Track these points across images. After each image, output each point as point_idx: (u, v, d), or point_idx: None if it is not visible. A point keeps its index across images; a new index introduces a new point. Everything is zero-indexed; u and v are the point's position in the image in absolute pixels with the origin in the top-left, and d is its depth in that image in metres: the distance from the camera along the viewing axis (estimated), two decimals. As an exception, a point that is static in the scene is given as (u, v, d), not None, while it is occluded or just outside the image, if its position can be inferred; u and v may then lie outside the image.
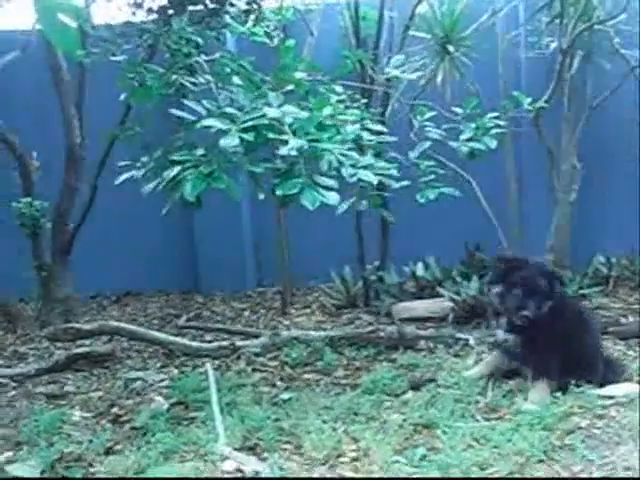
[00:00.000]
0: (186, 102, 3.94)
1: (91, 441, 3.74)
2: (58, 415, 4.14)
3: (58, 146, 6.20)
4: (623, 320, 5.26)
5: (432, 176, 4.47)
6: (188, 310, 6.75)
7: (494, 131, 4.39)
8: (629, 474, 2.99)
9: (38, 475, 3.43)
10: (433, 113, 4.71)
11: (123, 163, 4.15)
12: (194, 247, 7.41)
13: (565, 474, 3.01)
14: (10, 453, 3.71)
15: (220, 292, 7.21)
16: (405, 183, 4.39)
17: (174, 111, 3.87)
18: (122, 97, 4.59)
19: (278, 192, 3.71)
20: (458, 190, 4.73)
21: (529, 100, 4.99)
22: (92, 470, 3.43)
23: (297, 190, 3.67)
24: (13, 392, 4.75)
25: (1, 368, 5.22)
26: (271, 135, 3.78)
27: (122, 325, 5.63)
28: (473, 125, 4.54)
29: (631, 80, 6.19)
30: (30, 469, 3.47)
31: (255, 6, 4.66)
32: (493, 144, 4.40)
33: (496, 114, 4.71)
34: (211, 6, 4.32)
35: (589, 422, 3.52)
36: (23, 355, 5.65)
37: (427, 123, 4.63)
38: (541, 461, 3.12)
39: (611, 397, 3.78)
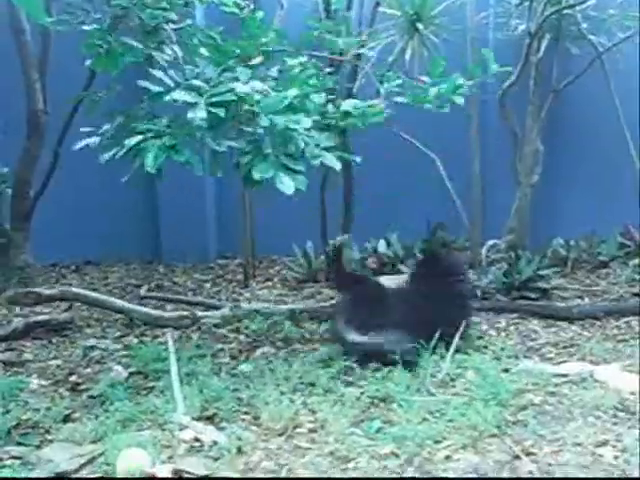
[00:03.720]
0: (153, 72, 3.89)
1: (49, 409, 3.73)
2: (15, 382, 4.11)
3: (20, 111, 6.10)
4: (578, 302, 5.36)
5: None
6: (149, 280, 6.72)
7: (461, 90, 4.37)
8: (579, 450, 3.07)
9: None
10: (399, 81, 4.68)
11: (85, 129, 4.09)
12: (156, 217, 7.37)
13: (517, 448, 3.08)
14: (-36, 420, 3.68)
15: (182, 263, 7.18)
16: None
17: (141, 82, 3.82)
18: (87, 63, 4.51)
19: (255, 176, 3.68)
20: (423, 170, 4.73)
21: (496, 66, 4.96)
22: (49, 437, 3.43)
23: (272, 174, 3.67)
24: (-32, 359, 4.70)
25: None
26: (241, 111, 3.75)
27: (83, 291, 5.59)
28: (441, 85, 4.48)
29: (597, 65, 6.24)
30: (-15, 434, 3.46)
31: (225, -26, 4.60)
32: (460, 100, 4.38)
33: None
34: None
35: (542, 399, 3.60)
36: (-21, 321, 5.58)
37: (394, 90, 4.60)
38: (494, 435, 3.19)
39: (564, 375, 3.88)
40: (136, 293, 6.20)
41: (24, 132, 6.14)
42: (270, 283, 6.44)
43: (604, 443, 3.12)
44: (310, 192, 4.95)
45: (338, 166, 3.87)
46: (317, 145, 3.85)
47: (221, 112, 3.57)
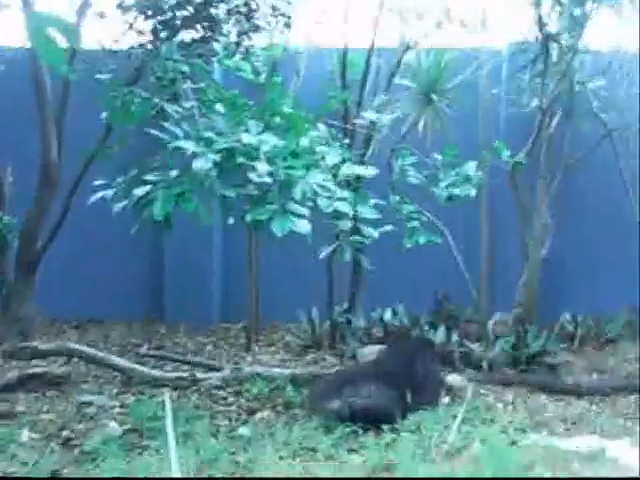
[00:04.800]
0: (166, 125, 3.91)
1: (37, 462, 3.61)
2: (6, 434, 3.99)
3: (34, 163, 6.12)
4: (586, 378, 5.24)
5: (416, 222, 4.46)
6: (150, 340, 6.61)
7: (474, 180, 4.40)
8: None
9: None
10: (414, 158, 4.73)
11: (98, 182, 4.08)
12: (161, 277, 7.31)
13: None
14: (-49, 473, 3.55)
15: (184, 323, 7.08)
16: (389, 228, 4.35)
17: (151, 130, 3.83)
18: (103, 116, 4.55)
19: (248, 218, 3.67)
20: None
21: (508, 153, 5.03)
22: (35, 492, 3.30)
23: (268, 216, 3.64)
24: (-39, 411, 4.57)
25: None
26: (241, 160, 3.75)
27: (80, 347, 5.49)
28: (453, 172, 4.55)
29: (607, 143, 6.28)
30: (-30, 486, 3.33)
31: (246, 38, 4.66)
32: (472, 192, 4.42)
33: (476, 162, 4.74)
34: (202, 33, 4.31)
35: (552, 474, 3.47)
36: (-24, 372, 5.47)
37: (408, 167, 4.64)
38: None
39: (574, 450, 3.74)
40: (136, 351, 6.09)
41: (34, 183, 6.13)
42: (273, 348, 6.33)
43: (617, 523, 2.98)
44: (318, 261, 4.97)
45: (350, 212, 3.82)
46: (330, 197, 3.83)
47: (222, 159, 3.57)
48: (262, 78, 5.75)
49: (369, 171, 4.17)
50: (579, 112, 6.35)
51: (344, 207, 3.75)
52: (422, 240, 4.38)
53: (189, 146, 3.65)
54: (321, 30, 6.77)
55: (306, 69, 6.51)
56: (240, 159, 3.67)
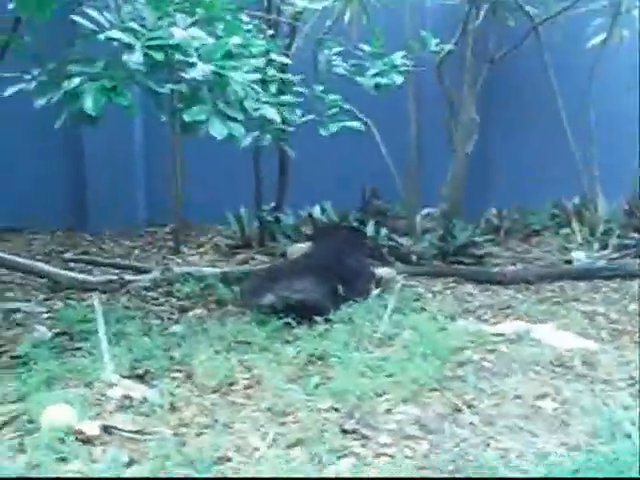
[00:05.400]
0: (88, 11, 3.68)
1: (-33, 370, 3.53)
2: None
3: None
4: (511, 268, 5.39)
5: (336, 109, 4.40)
6: (75, 247, 6.47)
7: (401, 68, 4.35)
8: (519, 402, 3.06)
9: None
10: (340, 48, 4.63)
11: (11, 75, 3.84)
12: (83, 183, 7.07)
13: (458, 402, 3.05)
14: None
15: (109, 230, 6.93)
16: (311, 117, 4.29)
17: (76, 17, 3.60)
18: (10, 6, 4.25)
19: (186, 118, 3.55)
20: (358, 136, 4.69)
21: (436, 41, 4.96)
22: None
23: (204, 117, 3.53)
24: None
25: None
26: (177, 56, 3.59)
27: (4, 255, 5.32)
28: (380, 62, 4.48)
29: (533, 37, 6.27)
30: None
31: None
32: (399, 79, 4.38)
33: (403, 53, 4.68)
34: None
35: (481, 356, 3.59)
36: None
37: (334, 57, 4.54)
38: (434, 389, 3.16)
39: (501, 334, 3.87)
40: (61, 258, 5.95)
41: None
42: (202, 249, 6.26)
43: (544, 396, 3.12)
44: (244, 158, 4.88)
45: (278, 118, 3.75)
46: (257, 99, 3.73)
47: (159, 56, 3.41)
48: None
49: (287, 61, 4.09)
50: (505, 5, 6.29)
51: (271, 113, 3.67)
52: (334, 129, 4.32)
53: (122, 37, 3.45)
54: None
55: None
56: (178, 56, 3.50)
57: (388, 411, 2.96)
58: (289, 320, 3.97)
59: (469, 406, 3.02)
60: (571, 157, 6.23)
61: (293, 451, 2.66)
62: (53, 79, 3.58)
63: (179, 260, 5.90)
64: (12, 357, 3.73)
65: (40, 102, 3.56)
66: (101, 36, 3.43)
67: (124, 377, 3.35)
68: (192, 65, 3.47)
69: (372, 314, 4.12)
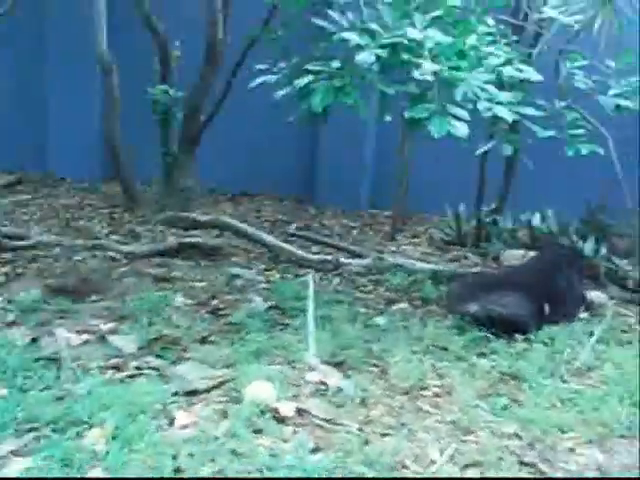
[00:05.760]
0: (330, 13, 3.89)
1: (189, 328, 3.94)
2: (162, 298, 4.36)
3: (202, 39, 6.28)
4: None
5: (581, 130, 4.27)
6: (299, 219, 6.86)
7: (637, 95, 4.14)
8: None
9: (136, 348, 3.64)
10: (584, 62, 4.47)
11: (260, 66, 4.16)
12: (315, 158, 7.46)
13: (646, 450, 2.95)
14: (112, 324, 3.95)
15: (333, 206, 7.27)
16: (551, 133, 4.20)
17: (316, 20, 3.83)
18: (269, -1, 4.58)
19: (407, 115, 3.65)
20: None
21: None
22: (186, 355, 3.61)
23: (426, 115, 3.61)
24: (124, 268, 5.01)
25: (117, 244, 5.49)
26: (406, 56, 3.69)
27: (235, 222, 5.79)
28: (624, 81, 4.29)
29: None
30: (129, 343, 3.69)
31: None
32: (636, 107, 4.16)
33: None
34: None
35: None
36: (138, 235, 5.91)
37: (576, 71, 4.40)
38: (624, 436, 3.05)
39: None
40: (285, 230, 6.36)
41: (201, 61, 6.32)
42: (417, 240, 6.41)
43: None
44: (471, 157, 4.90)
45: (510, 118, 3.72)
46: (490, 99, 3.72)
47: (388, 55, 3.52)
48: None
49: (535, 75, 3.98)
50: None
51: (504, 112, 3.63)
52: (584, 151, 4.20)
53: (354, 38, 3.62)
54: None
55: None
56: (405, 56, 3.61)
57: (571, 450, 2.91)
58: (488, 333, 3.99)
59: (658, 461, 2.90)
60: None
61: (468, 471, 2.73)
62: (295, 74, 3.82)
63: (393, 248, 6.08)
64: (229, 323, 4.11)
65: (279, 95, 3.83)
66: (336, 37, 3.60)
67: (324, 362, 3.57)
68: (419, 66, 3.55)
69: (575, 340, 4.02)
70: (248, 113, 7.13)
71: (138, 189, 6.85)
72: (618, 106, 4.28)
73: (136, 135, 6.60)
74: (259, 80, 4.05)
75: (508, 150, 4.16)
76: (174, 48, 6.44)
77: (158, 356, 3.59)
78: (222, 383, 3.33)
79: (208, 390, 3.25)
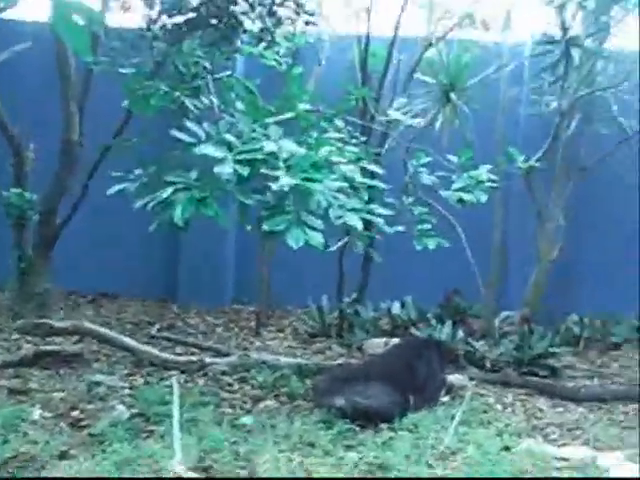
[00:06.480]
0: (187, 124, 3.98)
1: (47, 443, 3.74)
2: (18, 412, 4.13)
3: (54, 142, 6.22)
4: (587, 383, 5.31)
5: (428, 225, 4.54)
6: (162, 319, 6.76)
7: (486, 185, 4.47)
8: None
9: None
10: (429, 159, 4.80)
11: (116, 174, 4.17)
12: (176, 256, 7.43)
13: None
14: (-37, 443, 3.70)
15: (197, 305, 7.22)
16: (400, 228, 4.42)
17: (174, 132, 3.91)
18: (125, 103, 4.63)
19: (265, 227, 3.76)
20: (447, 238, 4.82)
21: (522, 158, 5.07)
22: (44, 473, 3.43)
23: (283, 227, 3.73)
24: (-24, 382, 4.73)
25: (-33, 356, 5.20)
26: (263, 170, 3.82)
27: (95, 328, 5.62)
28: (466, 175, 4.62)
29: (625, 147, 6.28)
30: (-18, 463, 3.47)
31: (268, 33, 4.72)
32: (483, 198, 4.49)
33: (489, 167, 4.80)
34: (224, 30, 4.36)
35: (540, 484, 3.56)
36: (-9, 345, 5.63)
37: (421, 169, 4.70)
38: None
39: (566, 459, 3.82)
40: (148, 331, 6.23)
41: (56, 163, 6.24)
42: (282, 334, 6.45)
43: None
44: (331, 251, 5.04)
45: (360, 226, 3.90)
46: (341, 206, 3.90)
47: (245, 171, 3.64)
48: (284, 67, 5.82)
49: (378, 169, 4.25)
50: (598, 116, 6.34)
51: (354, 220, 3.82)
52: (431, 245, 4.46)
53: (212, 152, 3.71)
54: (344, 17, 6.81)
55: (328, 58, 6.56)
56: (262, 169, 3.74)
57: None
58: (355, 425, 4.04)
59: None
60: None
61: None
62: (153, 183, 3.86)
63: (259, 343, 6.09)
64: (90, 434, 3.94)
65: (139, 203, 3.85)
66: (195, 150, 3.69)
67: (190, 469, 3.49)
68: (277, 178, 3.68)
69: (438, 424, 4.14)
70: (105, 214, 7.04)
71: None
72: (461, 199, 4.58)
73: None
74: (117, 187, 4.06)
75: (359, 247, 4.36)
76: (29, 150, 6.33)
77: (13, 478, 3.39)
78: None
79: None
